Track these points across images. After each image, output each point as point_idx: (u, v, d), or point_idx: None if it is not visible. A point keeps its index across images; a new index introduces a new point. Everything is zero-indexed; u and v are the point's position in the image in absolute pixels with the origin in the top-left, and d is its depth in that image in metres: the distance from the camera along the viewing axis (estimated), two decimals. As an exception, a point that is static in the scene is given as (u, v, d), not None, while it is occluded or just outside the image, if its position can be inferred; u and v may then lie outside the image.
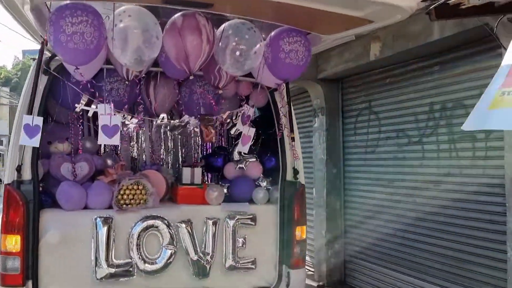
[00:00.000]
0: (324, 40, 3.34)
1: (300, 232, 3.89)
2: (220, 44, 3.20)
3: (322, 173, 6.78)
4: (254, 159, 4.31)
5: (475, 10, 2.77)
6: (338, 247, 6.71)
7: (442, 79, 5.03)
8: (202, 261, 3.66)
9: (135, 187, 3.77)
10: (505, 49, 3.70)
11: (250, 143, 3.85)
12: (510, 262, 3.97)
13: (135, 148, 4.35)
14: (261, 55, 3.23)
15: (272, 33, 3.28)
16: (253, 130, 3.88)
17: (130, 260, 3.54)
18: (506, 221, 4.03)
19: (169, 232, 3.63)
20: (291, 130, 4.00)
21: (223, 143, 4.80)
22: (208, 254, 3.69)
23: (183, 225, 3.64)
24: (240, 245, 3.83)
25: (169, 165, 4.53)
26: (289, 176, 4.02)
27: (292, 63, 3.20)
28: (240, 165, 4.26)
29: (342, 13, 2.73)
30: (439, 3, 2.62)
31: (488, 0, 2.57)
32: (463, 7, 2.69)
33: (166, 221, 3.65)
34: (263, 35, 3.38)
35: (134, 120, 3.64)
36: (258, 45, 3.16)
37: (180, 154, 4.59)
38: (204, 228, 3.74)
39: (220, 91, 3.62)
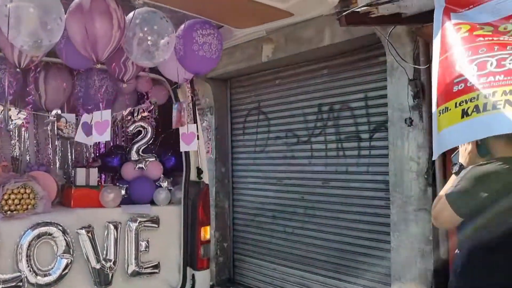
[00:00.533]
0: (235, 35, 3.31)
1: (204, 233, 3.82)
2: (128, 32, 2.98)
3: (211, 172, 6.73)
4: (154, 159, 4.12)
5: (381, 19, 2.98)
6: (227, 246, 6.74)
7: (330, 83, 5.34)
8: (105, 269, 3.38)
9: (21, 190, 3.36)
10: (399, 59, 4.07)
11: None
12: (394, 251, 4.37)
13: (17, 147, 3.86)
14: (173, 47, 3.08)
15: (185, 24, 3.15)
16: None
17: (19, 274, 3.13)
18: (390, 213, 4.42)
19: (65, 239, 3.29)
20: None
21: (117, 141, 4.50)
22: (110, 260, 3.43)
23: (83, 232, 3.33)
24: (143, 249, 3.63)
25: (57, 165, 4.11)
26: (193, 175, 3.92)
27: (205, 56, 3.10)
28: (140, 165, 4.04)
29: (265, 3, 2.70)
30: (350, 10, 2.77)
31: (396, 11, 2.78)
32: (372, 15, 2.88)
33: (61, 228, 3.30)
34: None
35: (22, 115, 3.24)
36: (169, 36, 3.00)
37: (69, 154, 4.19)
38: (106, 233, 3.47)
39: (124, 85, 3.38)
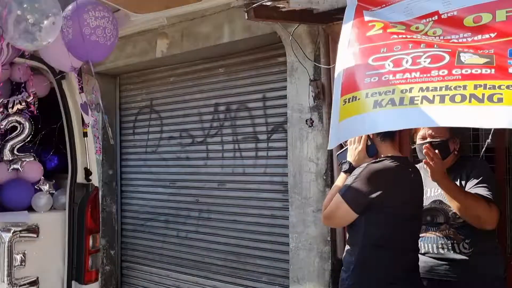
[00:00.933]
0: (132, 21, 2.99)
1: (93, 242, 3.42)
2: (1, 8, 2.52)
3: (97, 175, 6.21)
4: (32, 158, 3.61)
5: (290, 15, 2.89)
6: (114, 254, 6.26)
7: (227, 82, 5.20)
8: (-30, 290, 2.84)
9: None
10: (300, 59, 4.05)
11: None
12: (292, 252, 4.34)
13: None
14: (59, 29, 2.68)
15: (74, 4, 2.75)
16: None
17: None
18: (289, 215, 4.39)
19: None
20: (83, 124, 3.50)
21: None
22: (-23, 279, 2.89)
23: None
24: (18, 263, 3.13)
25: None
26: (80, 177, 3.50)
27: (98, 41, 2.74)
28: (14, 166, 3.50)
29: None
30: (259, 3, 2.63)
31: (307, 6, 2.71)
32: (283, 9, 2.78)
33: None
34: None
35: None
36: (55, 16, 2.60)
37: None
38: (-28, 247, 2.92)
39: (-3, 72, 2.87)
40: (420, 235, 2.44)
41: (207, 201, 5.36)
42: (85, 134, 3.51)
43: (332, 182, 4.07)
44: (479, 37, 2.02)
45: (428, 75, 1.95)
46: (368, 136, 2.35)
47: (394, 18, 2.28)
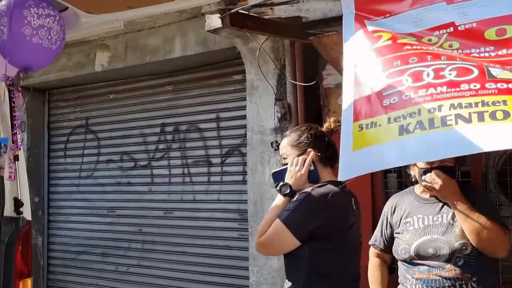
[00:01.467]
0: (84, 23, 2.49)
1: (24, 288, 2.81)
2: None
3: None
4: None
5: (274, 26, 2.56)
6: (39, 294, 5.49)
7: (175, 100, 4.78)
8: None
9: None
10: (261, 77, 3.73)
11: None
12: (253, 287, 3.94)
13: None
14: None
15: (11, -2, 2.24)
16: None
17: None
18: (244, 246, 4.01)
19: None
20: (15, 146, 2.92)
21: None
22: None
23: None
24: None
25: None
26: (9, 210, 2.89)
27: (42, 44, 2.23)
28: None
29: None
30: (238, 9, 2.29)
31: (295, 14, 2.40)
32: (266, 17, 2.45)
33: None
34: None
35: None
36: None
37: None
38: None
39: None
40: (421, 276, 2.17)
41: (151, 231, 4.84)
42: (15, 158, 2.93)
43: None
44: (504, 51, 1.80)
45: (458, 89, 1.68)
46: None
47: (401, 29, 2.02)
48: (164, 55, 4.42)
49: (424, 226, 2.23)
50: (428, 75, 1.78)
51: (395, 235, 2.26)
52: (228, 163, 4.43)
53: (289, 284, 2.05)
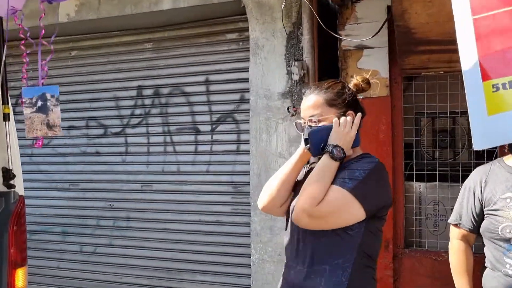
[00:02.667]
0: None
1: (20, 280, 2.29)
2: None
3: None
4: None
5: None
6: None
7: (156, 60, 4.24)
8: None
9: None
10: (267, 35, 3.34)
11: None
12: (255, 265, 3.64)
13: None
14: None
15: None
16: None
17: None
18: (251, 221, 3.68)
19: None
20: (4, 102, 2.35)
21: None
22: None
23: None
24: None
25: None
26: (-5, 182, 2.32)
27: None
28: None
29: None
30: None
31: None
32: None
33: None
34: None
35: None
36: None
37: None
38: None
39: None
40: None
41: (125, 206, 4.33)
42: (5, 117, 2.35)
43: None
44: None
45: None
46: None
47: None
48: (150, 6, 3.86)
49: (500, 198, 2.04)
50: None
51: (488, 212, 2.03)
52: (219, 131, 4.02)
53: (324, 265, 1.70)
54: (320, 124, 1.75)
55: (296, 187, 1.85)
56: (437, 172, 3.29)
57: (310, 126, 1.76)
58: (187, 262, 4.07)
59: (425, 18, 2.32)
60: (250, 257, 3.68)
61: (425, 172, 3.31)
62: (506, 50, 1.59)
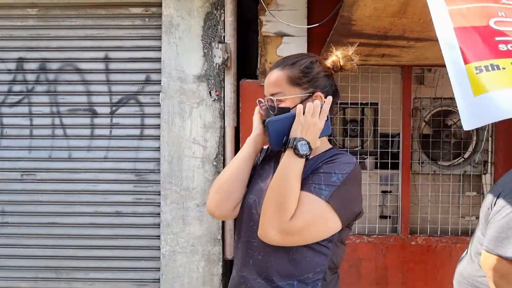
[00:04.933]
0: None
1: None
2: None
3: None
4: None
5: None
6: None
7: (43, 29, 3.69)
8: None
9: None
10: (182, 13, 3.16)
11: None
12: (165, 258, 3.43)
13: None
14: None
15: None
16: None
17: None
18: (161, 211, 3.44)
19: None
20: None
21: None
22: None
23: None
24: None
25: None
26: None
27: None
28: None
29: None
30: None
31: None
32: None
33: None
34: None
35: None
36: None
37: None
38: None
39: None
40: None
41: (6, 199, 3.71)
42: None
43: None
44: None
45: None
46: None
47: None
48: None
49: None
50: None
51: None
52: (120, 114, 3.67)
53: (291, 280, 1.43)
54: (282, 105, 1.47)
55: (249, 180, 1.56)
56: (347, 160, 3.45)
57: (270, 106, 1.49)
58: (79, 259, 3.65)
59: (370, 12, 2.39)
60: (159, 249, 3.45)
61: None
62: (484, 38, 1.70)
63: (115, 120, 3.68)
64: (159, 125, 3.49)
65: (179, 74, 3.37)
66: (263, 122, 1.52)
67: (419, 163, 3.56)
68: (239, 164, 1.53)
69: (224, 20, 3.24)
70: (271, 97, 1.48)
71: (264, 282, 1.44)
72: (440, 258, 3.46)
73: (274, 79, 1.49)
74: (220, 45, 3.12)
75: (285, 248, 1.42)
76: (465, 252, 1.98)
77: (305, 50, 3.32)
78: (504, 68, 1.60)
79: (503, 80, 1.58)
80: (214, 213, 1.55)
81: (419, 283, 3.46)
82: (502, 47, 1.66)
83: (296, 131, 1.40)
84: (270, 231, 1.36)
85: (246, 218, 1.51)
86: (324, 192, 1.38)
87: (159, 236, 3.48)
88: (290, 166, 1.39)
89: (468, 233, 3.54)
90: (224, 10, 3.23)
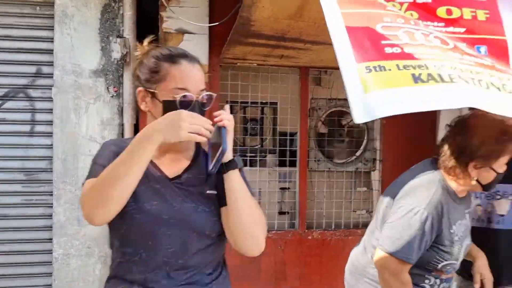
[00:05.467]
0: None
1: None
2: None
3: None
4: None
5: None
6: None
7: None
8: None
9: None
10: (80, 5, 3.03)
11: None
12: (58, 262, 3.24)
13: None
14: None
15: None
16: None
17: None
18: (53, 213, 3.24)
19: None
20: None
21: None
22: None
23: None
24: None
25: None
26: None
27: None
28: None
29: None
30: None
31: None
32: None
33: None
34: None
35: None
36: None
37: None
38: None
39: None
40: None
41: None
42: None
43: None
44: (451, 29, 2.10)
45: (447, 56, 1.88)
46: None
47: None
48: None
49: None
50: (419, 37, 1.90)
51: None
52: (7, 108, 3.40)
53: (206, 264, 1.38)
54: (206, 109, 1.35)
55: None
56: (248, 158, 3.53)
57: (202, 104, 1.34)
58: None
59: (269, 13, 2.46)
60: (51, 253, 3.25)
61: (237, 158, 3.50)
62: (372, 40, 1.82)
63: (1, 115, 3.40)
64: (52, 121, 3.29)
65: (74, 68, 3.20)
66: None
67: (315, 160, 3.73)
68: (128, 169, 1.28)
69: (123, 14, 3.14)
70: (202, 94, 1.33)
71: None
72: (335, 250, 3.65)
73: (200, 74, 1.37)
74: (118, 40, 3.02)
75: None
76: (359, 243, 2.10)
77: (206, 48, 3.32)
78: (389, 70, 1.71)
79: (389, 81, 1.69)
80: (96, 223, 1.29)
81: (315, 277, 3.62)
82: (387, 50, 1.77)
83: (231, 148, 1.30)
84: (262, 246, 1.37)
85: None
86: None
87: (51, 239, 3.28)
88: (242, 183, 1.34)
89: (358, 226, 3.77)
90: (122, 3, 3.13)
